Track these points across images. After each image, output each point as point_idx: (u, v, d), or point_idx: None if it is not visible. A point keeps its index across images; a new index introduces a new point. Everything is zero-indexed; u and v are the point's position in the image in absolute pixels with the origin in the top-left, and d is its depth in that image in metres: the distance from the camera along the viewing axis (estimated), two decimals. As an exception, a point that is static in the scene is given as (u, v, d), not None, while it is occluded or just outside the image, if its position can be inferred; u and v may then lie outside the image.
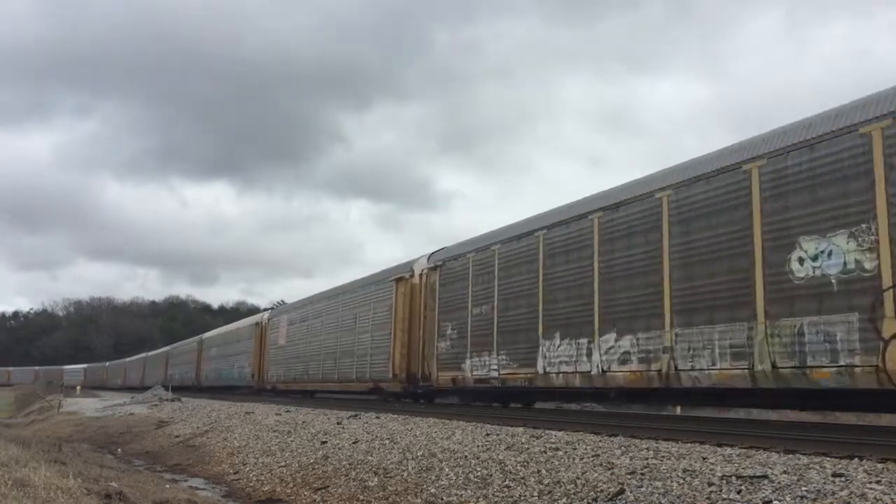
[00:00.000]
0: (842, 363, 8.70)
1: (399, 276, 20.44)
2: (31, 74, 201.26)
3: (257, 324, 34.56)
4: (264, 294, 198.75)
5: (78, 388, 55.47)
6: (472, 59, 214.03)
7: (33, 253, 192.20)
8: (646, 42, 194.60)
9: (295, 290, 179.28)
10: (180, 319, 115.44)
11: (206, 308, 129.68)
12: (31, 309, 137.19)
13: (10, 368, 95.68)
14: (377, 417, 14.89)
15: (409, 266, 20.46)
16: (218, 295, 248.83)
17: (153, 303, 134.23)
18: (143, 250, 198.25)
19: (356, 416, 15.64)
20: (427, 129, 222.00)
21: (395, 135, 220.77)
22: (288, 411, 19.19)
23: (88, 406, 35.39)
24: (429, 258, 19.43)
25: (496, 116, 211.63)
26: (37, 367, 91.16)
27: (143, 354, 69.71)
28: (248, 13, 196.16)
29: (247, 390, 34.79)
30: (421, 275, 19.46)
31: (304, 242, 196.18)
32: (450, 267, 17.91)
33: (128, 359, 75.76)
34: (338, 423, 14.79)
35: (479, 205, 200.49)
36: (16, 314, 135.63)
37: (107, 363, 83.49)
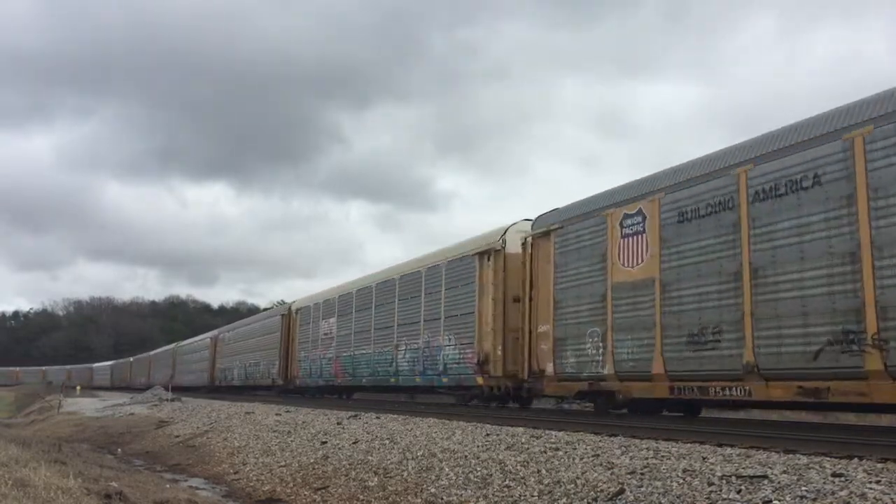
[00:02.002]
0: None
1: None
2: (32, 76, 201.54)
3: (483, 254, 16.37)
4: (264, 294, 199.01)
5: (78, 388, 55.33)
6: (470, 60, 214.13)
7: (33, 253, 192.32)
8: (643, 44, 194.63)
9: (295, 289, 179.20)
10: (180, 319, 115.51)
11: (206, 308, 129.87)
12: (31, 309, 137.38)
13: (44, 368, 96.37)
14: (377, 417, 14.89)
15: None
16: (218, 295, 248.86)
17: (153, 303, 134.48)
18: (143, 250, 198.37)
19: (356, 416, 15.64)
20: (426, 130, 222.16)
21: (394, 135, 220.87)
22: (288, 411, 19.18)
23: (88, 406, 35.39)
24: None
25: (495, 117, 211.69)
26: (69, 367, 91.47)
27: (173, 345, 55.87)
28: (248, 13, 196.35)
29: (445, 394, 18.91)
30: None
31: (304, 242, 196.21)
32: None
33: (153, 352, 63.96)
34: (338, 424, 14.79)
35: (478, 205, 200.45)
36: (16, 314, 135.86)
37: (131, 358, 72.97)
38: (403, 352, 19.41)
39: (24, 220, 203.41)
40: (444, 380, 17.48)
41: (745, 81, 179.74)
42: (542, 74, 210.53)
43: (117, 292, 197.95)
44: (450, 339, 17.35)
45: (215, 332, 44.04)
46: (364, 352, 21.89)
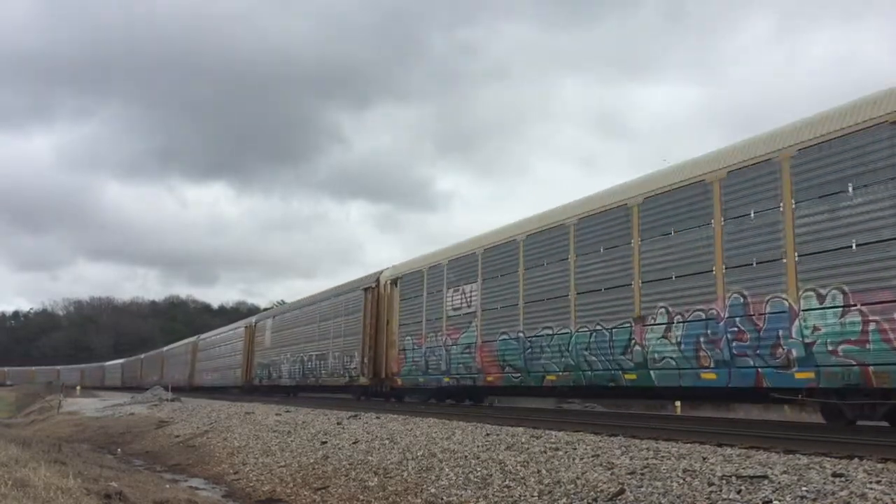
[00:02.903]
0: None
1: None
2: (32, 76, 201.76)
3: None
4: (264, 294, 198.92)
5: (78, 388, 55.31)
6: (470, 60, 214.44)
7: (33, 253, 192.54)
8: (643, 44, 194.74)
9: (295, 290, 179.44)
10: (180, 319, 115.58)
11: (206, 308, 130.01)
12: (31, 309, 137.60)
13: (59, 367, 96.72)
14: (377, 417, 14.89)
15: None
16: (218, 295, 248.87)
17: (153, 303, 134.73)
18: (143, 250, 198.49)
19: (356, 416, 15.64)
20: (426, 130, 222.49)
21: (394, 135, 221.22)
22: (288, 411, 19.18)
23: (88, 406, 35.37)
24: None
25: (495, 117, 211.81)
26: (82, 366, 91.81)
27: (193, 338, 47.97)
28: (248, 13, 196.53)
29: (796, 401, 10.16)
30: None
31: (304, 242, 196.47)
32: None
33: (166, 348, 57.16)
34: (338, 423, 14.79)
35: (478, 205, 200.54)
36: (16, 314, 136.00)
37: (142, 356, 66.13)
38: (662, 328, 11.63)
39: (24, 220, 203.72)
40: (800, 375, 9.58)
41: (744, 81, 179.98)
42: (542, 74, 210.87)
43: (117, 292, 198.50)
44: (820, 298, 9.27)
45: (251, 318, 35.98)
46: (549, 332, 14.12)
